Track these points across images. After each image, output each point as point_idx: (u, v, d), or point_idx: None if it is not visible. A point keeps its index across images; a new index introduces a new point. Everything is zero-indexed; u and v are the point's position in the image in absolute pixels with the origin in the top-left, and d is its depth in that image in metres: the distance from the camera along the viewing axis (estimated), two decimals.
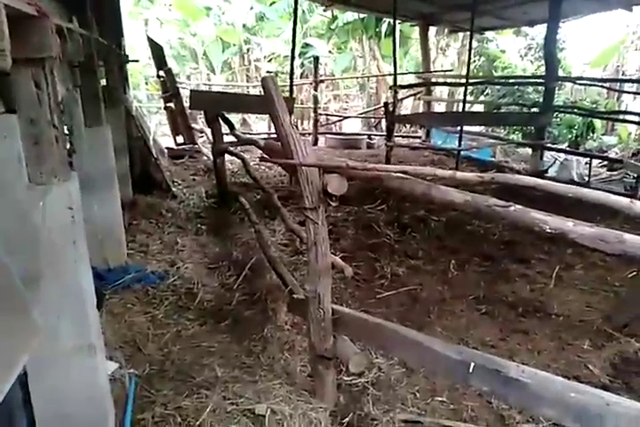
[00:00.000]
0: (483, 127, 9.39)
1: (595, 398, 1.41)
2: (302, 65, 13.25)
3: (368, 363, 2.41)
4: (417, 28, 9.75)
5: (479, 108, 10.98)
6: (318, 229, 2.17)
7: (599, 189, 5.21)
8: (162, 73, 7.68)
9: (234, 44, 13.90)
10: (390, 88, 7.48)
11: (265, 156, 3.36)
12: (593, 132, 8.80)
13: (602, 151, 8.36)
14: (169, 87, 7.60)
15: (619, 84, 8.45)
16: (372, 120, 11.09)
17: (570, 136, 8.73)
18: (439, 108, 11.11)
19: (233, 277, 3.33)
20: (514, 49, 14.04)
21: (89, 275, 1.69)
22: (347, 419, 2.09)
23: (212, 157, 5.33)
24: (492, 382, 1.63)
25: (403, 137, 8.98)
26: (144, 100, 12.56)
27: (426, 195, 1.91)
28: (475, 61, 12.37)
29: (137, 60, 7.58)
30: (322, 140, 9.28)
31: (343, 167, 2.07)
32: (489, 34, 12.33)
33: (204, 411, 1.89)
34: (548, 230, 1.47)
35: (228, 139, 5.35)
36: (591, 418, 1.39)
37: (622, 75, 10.50)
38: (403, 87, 7.61)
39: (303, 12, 12.78)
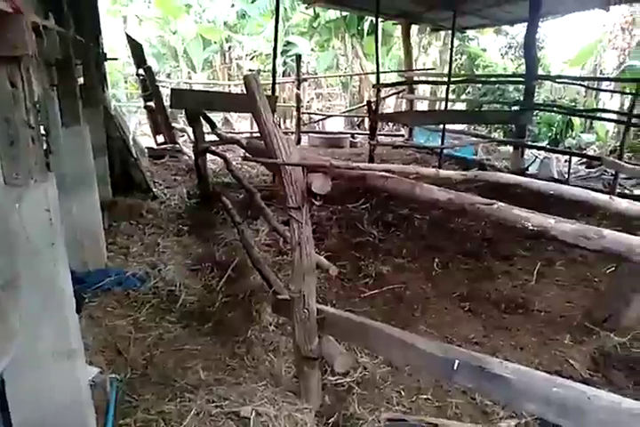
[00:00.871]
0: (465, 125, 9.49)
1: (576, 391, 1.42)
2: (285, 63, 13.20)
3: (353, 363, 2.41)
4: (399, 27, 9.79)
5: (461, 106, 11.09)
6: (302, 228, 2.16)
7: (578, 186, 5.30)
8: (141, 71, 7.55)
9: (215, 42, 13.77)
10: (373, 86, 7.49)
11: (248, 155, 3.33)
12: (572, 130, 8.96)
13: (580, 149, 8.52)
14: (149, 86, 7.48)
15: (596, 82, 8.61)
16: (355, 119, 11.11)
17: (550, 134, 8.88)
18: (422, 106, 11.20)
19: (216, 278, 3.29)
20: (495, 48, 14.22)
21: (68, 278, 1.65)
22: (332, 419, 2.09)
23: (193, 157, 5.27)
24: (476, 379, 1.64)
25: (386, 136, 9.02)
26: (123, 99, 12.37)
27: (410, 193, 1.91)
28: (456, 60, 12.49)
29: (116, 59, 7.46)
30: (305, 138, 9.26)
31: (327, 166, 2.06)
32: (470, 33, 12.48)
33: (188, 415, 1.87)
34: (531, 227, 1.48)
35: (209, 138, 5.30)
36: (572, 411, 1.41)
37: (600, 73, 10.70)
38: (385, 86, 7.63)
39: (285, 9, 12.74)
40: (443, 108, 7.90)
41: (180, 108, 6.31)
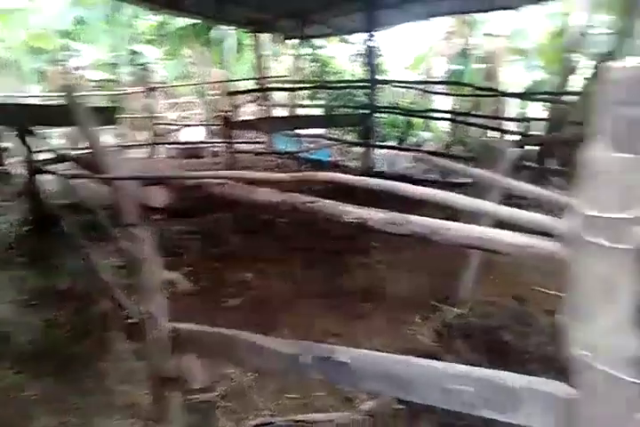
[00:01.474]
0: (324, 130, 9.95)
1: (410, 365, 1.55)
2: (132, 73, 12.46)
3: (215, 376, 2.36)
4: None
5: (317, 111, 11.56)
6: (144, 245, 2.05)
7: (421, 179, 5.89)
8: None
9: (48, 51, 12.46)
10: (227, 94, 7.46)
11: (81, 172, 3.06)
12: (412, 129, 9.94)
13: (419, 146, 9.49)
14: None
15: (429, 85, 9.64)
16: (214, 127, 10.91)
17: (395, 134, 9.74)
18: (281, 113, 11.44)
19: (59, 311, 2.96)
20: (344, 55, 15.15)
21: None
22: None
23: (25, 178, 4.68)
24: (326, 370, 1.70)
25: (247, 143, 9.01)
26: None
27: (247, 198, 1.93)
28: (308, 67, 13.03)
29: None
30: (162, 150, 8.85)
31: (159, 177, 2.00)
32: (321, 41, 13.11)
33: None
34: (351, 219, 1.59)
35: (43, 156, 4.75)
36: (405, 383, 1.53)
37: (433, 77, 12.00)
38: (238, 93, 7.64)
39: (128, 17, 12.07)
40: (300, 114, 8.26)
41: (5, 125, 5.57)
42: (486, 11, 8.20)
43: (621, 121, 0.96)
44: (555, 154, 5.66)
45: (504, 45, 10.49)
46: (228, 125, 6.21)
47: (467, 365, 1.49)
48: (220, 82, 9.07)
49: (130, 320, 2.32)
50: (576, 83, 7.59)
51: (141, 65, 10.28)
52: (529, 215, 1.27)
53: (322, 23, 8.55)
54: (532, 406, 1.24)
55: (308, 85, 10.02)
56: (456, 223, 1.41)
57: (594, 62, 6.67)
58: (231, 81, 7.10)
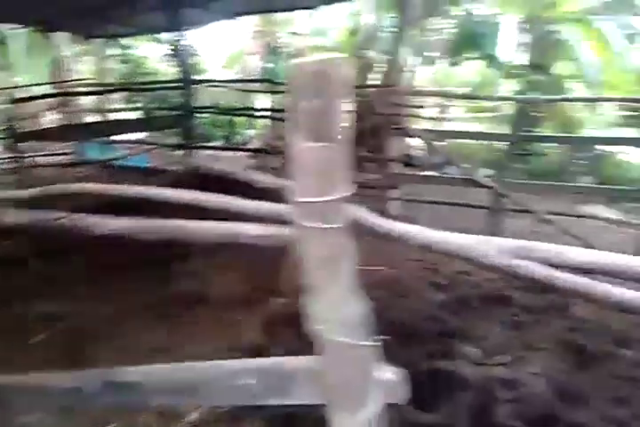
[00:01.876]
0: (147, 134, 9.33)
1: (199, 370, 1.53)
2: None
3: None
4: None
5: (134, 115, 10.80)
6: None
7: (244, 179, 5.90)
8: None
9: None
10: (15, 102, 6.47)
11: None
12: (236, 128, 9.95)
13: (245, 144, 9.57)
14: None
15: (246, 84, 9.72)
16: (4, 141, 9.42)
17: (220, 134, 9.63)
18: (92, 119, 10.41)
19: None
20: (158, 55, 14.40)
21: None
22: None
23: None
24: (117, 393, 1.59)
25: (49, 155, 7.97)
26: None
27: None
28: (118, 69, 12.10)
29: None
30: None
31: None
32: (131, 41, 12.23)
33: None
34: (110, 231, 1.50)
35: None
36: (198, 389, 1.51)
37: (248, 76, 12.13)
38: (29, 100, 6.69)
39: None
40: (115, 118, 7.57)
41: None
42: (288, 10, 8.53)
43: (307, 112, 1.05)
44: (363, 142, 6.22)
45: (309, 43, 11.11)
46: (17, 138, 5.42)
47: (291, 353, 1.52)
48: (6, 88, 7.83)
49: None
50: (373, 77, 8.39)
51: None
52: (270, 206, 1.34)
53: (122, 22, 7.96)
54: (302, 385, 1.32)
55: (117, 88, 9.29)
56: (208, 222, 1.43)
57: (383, 58, 7.47)
58: (20, 87, 6.16)
